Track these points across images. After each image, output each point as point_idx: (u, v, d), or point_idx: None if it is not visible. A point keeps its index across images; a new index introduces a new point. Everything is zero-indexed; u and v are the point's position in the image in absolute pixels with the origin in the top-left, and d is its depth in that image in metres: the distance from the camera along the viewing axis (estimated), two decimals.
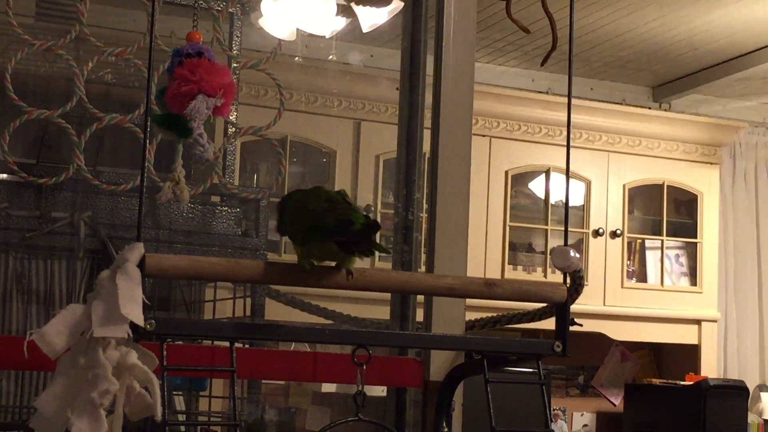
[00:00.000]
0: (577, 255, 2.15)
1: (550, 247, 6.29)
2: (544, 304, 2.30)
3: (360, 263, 1.94)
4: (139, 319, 1.74)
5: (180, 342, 2.67)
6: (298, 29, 4.07)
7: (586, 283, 6.77)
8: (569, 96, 2.22)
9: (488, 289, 2.09)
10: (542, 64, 2.49)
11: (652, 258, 6.67)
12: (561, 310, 2.15)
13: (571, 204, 6.43)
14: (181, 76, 2.05)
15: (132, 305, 1.74)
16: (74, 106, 3.35)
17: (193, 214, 3.49)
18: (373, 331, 2.13)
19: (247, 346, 2.93)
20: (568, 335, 2.12)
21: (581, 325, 2.18)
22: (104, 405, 1.73)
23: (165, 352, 1.81)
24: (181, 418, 3.65)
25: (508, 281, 2.40)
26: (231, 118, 3.67)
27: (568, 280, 2.16)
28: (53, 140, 3.54)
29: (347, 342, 2.07)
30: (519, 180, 6.38)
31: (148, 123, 1.98)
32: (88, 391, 1.72)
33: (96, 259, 3.29)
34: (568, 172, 2.28)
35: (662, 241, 6.66)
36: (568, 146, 2.23)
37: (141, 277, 1.77)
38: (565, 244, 2.19)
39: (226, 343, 1.89)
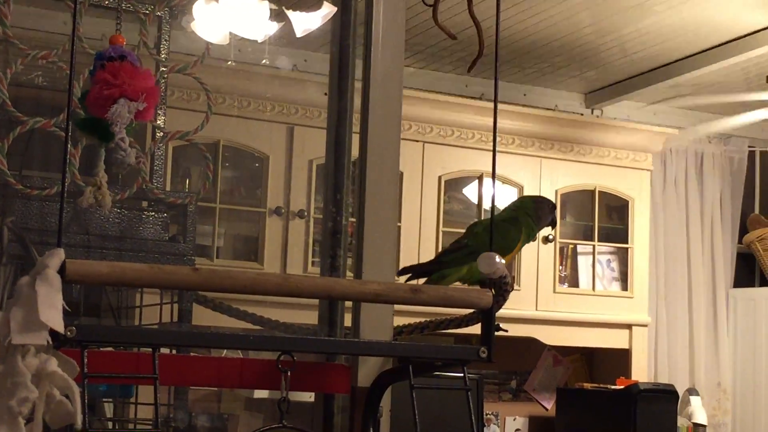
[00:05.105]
0: (503, 261, 2.16)
1: None
2: (472, 310, 2.31)
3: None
4: (59, 326, 1.72)
5: (110, 348, 2.64)
6: (230, 33, 4.05)
7: (517, 287, 6.70)
8: (495, 100, 2.23)
9: (414, 295, 2.10)
10: (469, 71, 2.50)
11: (584, 263, 6.71)
12: (487, 315, 2.16)
13: None
14: (102, 79, 2.03)
15: (52, 312, 1.72)
16: None
17: (119, 219, 3.45)
18: (297, 338, 2.13)
19: (174, 352, 2.91)
20: (493, 340, 2.13)
21: (506, 331, 2.19)
22: (23, 413, 1.71)
23: (86, 359, 1.79)
24: (110, 425, 3.61)
25: (434, 287, 2.40)
26: (159, 122, 3.63)
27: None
28: None
29: (272, 348, 2.06)
30: (452, 185, 6.38)
31: (70, 126, 1.96)
32: (7, 399, 1.70)
33: (20, 265, 3.25)
34: (494, 176, 2.29)
35: (594, 246, 6.70)
36: (494, 150, 2.23)
37: (61, 283, 1.75)
38: (491, 249, 2.19)
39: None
